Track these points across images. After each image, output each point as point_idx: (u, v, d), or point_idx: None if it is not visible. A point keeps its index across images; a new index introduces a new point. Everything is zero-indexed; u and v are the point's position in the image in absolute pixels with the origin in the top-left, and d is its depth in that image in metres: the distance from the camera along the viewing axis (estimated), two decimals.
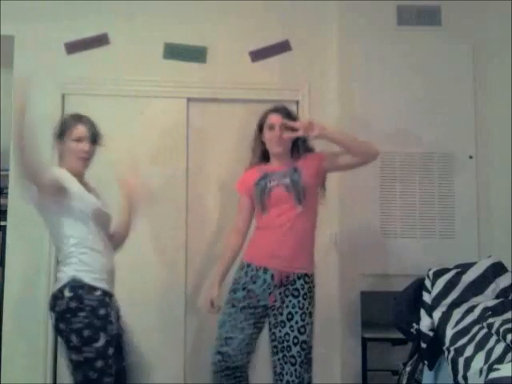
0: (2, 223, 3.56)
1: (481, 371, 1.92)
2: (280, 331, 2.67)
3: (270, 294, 2.69)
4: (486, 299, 2.42)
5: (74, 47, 3.53)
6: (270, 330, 2.74)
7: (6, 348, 3.36)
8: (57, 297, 2.34)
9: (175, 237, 3.50)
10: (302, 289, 2.68)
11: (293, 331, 2.65)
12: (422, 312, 2.48)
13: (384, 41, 3.62)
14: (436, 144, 3.58)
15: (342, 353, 3.44)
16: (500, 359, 1.91)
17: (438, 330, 2.36)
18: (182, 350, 3.45)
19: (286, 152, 2.82)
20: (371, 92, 3.58)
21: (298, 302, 2.67)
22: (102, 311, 2.33)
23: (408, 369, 2.63)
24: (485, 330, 2.15)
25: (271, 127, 2.79)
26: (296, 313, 2.66)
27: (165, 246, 3.49)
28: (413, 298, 2.57)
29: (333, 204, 3.44)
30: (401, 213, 3.55)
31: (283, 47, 3.61)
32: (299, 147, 2.82)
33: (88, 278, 2.34)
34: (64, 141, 2.51)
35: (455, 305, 2.42)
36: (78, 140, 2.48)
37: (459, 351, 2.13)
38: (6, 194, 3.49)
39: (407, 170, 3.57)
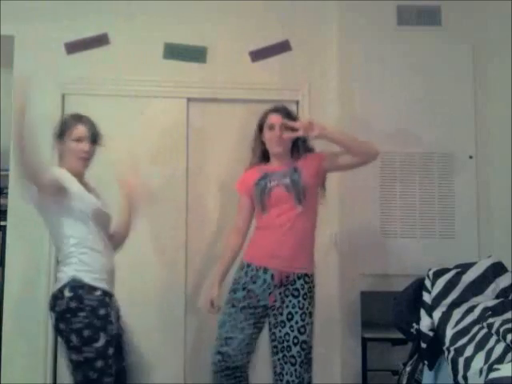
0: (2, 223, 3.56)
1: (481, 371, 1.92)
2: (280, 331, 2.67)
3: (269, 294, 2.69)
4: (486, 299, 2.42)
5: (74, 47, 3.53)
6: (269, 329, 2.74)
7: (5, 348, 3.37)
8: (57, 297, 2.34)
9: (175, 237, 3.50)
10: (302, 289, 2.68)
11: (293, 331, 2.65)
12: (422, 312, 2.48)
13: (384, 41, 3.62)
14: (436, 144, 3.58)
15: (342, 353, 3.44)
16: (500, 359, 1.91)
17: (438, 329, 2.36)
18: (182, 349, 3.45)
19: (286, 152, 2.82)
20: (371, 92, 3.58)
21: (298, 302, 2.67)
22: (101, 311, 2.33)
23: (408, 369, 2.63)
24: (485, 330, 2.15)
25: (271, 127, 2.79)
26: (296, 313, 2.66)
27: (165, 245, 3.49)
28: (413, 298, 2.57)
29: (333, 204, 3.44)
30: (401, 213, 3.55)
31: (283, 47, 3.61)
32: (299, 147, 2.82)
33: (88, 278, 2.34)
34: (64, 141, 2.51)
35: (455, 305, 2.42)
36: (78, 140, 2.49)
37: (459, 351, 2.13)
38: (6, 193, 3.49)
39: (407, 170, 3.57)
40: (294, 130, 2.70)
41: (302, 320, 2.65)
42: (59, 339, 2.40)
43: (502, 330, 2.04)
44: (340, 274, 3.48)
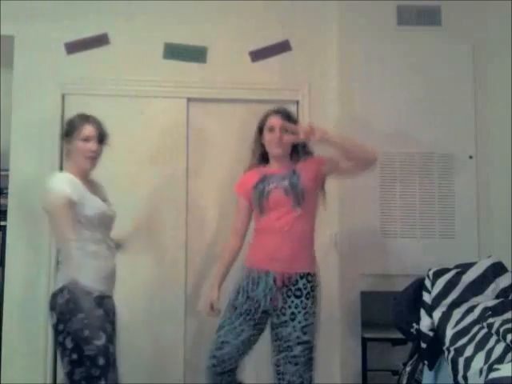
0: (2, 223, 3.56)
1: (481, 371, 1.92)
2: (283, 331, 2.66)
3: (271, 298, 2.69)
4: (486, 299, 2.43)
5: (73, 47, 3.53)
6: (272, 329, 2.73)
7: (5, 348, 3.37)
8: (56, 297, 2.38)
9: (175, 237, 3.50)
10: (305, 288, 2.68)
11: (295, 331, 2.64)
12: (422, 312, 2.48)
13: (384, 41, 3.62)
14: (436, 144, 3.57)
15: (342, 353, 3.44)
16: (500, 359, 1.92)
17: (438, 330, 2.36)
18: (182, 350, 3.45)
19: (286, 154, 2.82)
20: (371, 92, 3.58)
21: (301, 301, 2.66)
22: (98, 312, 2.36)
23: (408, 369, 2.63)
24: (485, 330, 2.15)
25: (271, 129, 2.79)
26: (299, 312, 2.65)
27: (165, 245, 3.49)
28: (413, 298, 2.57)
29: (333, 204, 3.43)
30: (401, 213, 3.55)
31: (283, 47, 3.61)
32: (299, 150, 2.82)
33: (84, 282, 2.37)
34: (72, 140, 2.54)
35: (455, 305, 2.42)
36: (86, 139, 2.52)
37: (459, 351, 2.14)
38: (6, 194, 3.48)
39: (407, 170, 3.57)
40: (294, 133, 2.70)
41: (305, 320, 2.65)
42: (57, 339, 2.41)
43: (502, 330, 2.04)
44: (340, 273, 3.48)
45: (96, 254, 2.45)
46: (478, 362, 1.99)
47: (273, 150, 2.80)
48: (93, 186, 2.59)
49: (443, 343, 2.28)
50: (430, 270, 2.59)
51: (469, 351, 2.09)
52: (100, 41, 3.53)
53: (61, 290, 2.37)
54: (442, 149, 3.58)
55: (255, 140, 2.88)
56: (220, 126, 3.58)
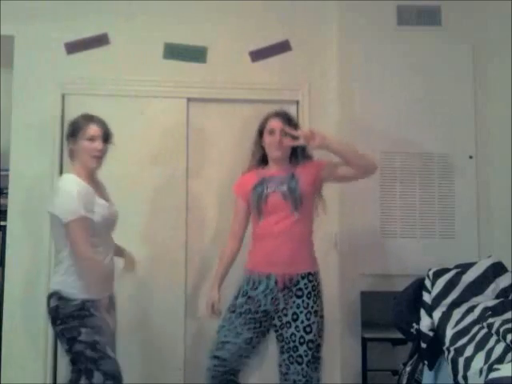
0: (2, 223, 3.56)
1: (481, 371, 1.92)
2: (286, 332, 2.67)
3: (272, 298, 2.69)
4: (486, 299, 2.43)
5: (73, 47, 3.52)
6: (276, 331, 2.74)
7: (5, 348, 3.37)
8: (49, 301, 2.50)
9: (175, 237, 3.50)
10: (306, 288, 2.68)
11: (299, 331, 2.65)
12: (422, 312, 2.48)
13: (384, 41, 3.62)
14: (436, 144, 3.57)
15: (342, 353, 3.44)
16: (500, 359, 1.92)
17: (438, 330, 2.36)
18: (182, 350, 3.45)
19: (285, 157, 2.82)
20: (371, 92, 3.58)
21: (302, 301, 2.67)
22: (78, 313, 2.43)
23: (408, 369, 2.63)
24: (485, 330, 2.15)
25: (271, 132, 2.79)
26: (301, 312, 2.66)
27: (165, 246, 3.49)
28: (413, 298, 2.58)
29: (333, 204, 3.43)
30: (401, 213, 3.55)
31: (283, 47, 3.61)
32: (298, 154, 2.82)
33: (69, 291, 2.45)
34: (76, 140, 2.56)
35: (455, 305, 2.42)
36: (91, 139, 2.54)
37: (459, 351, 2.14)
38: (6, 193, 3.48)
39: (407, 170, 3.57)
40: (294, 137, 2.70)
41: (308, 319, 2.66)
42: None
43: (502, 330, 2.04)
44: (340, 273, 3.48)
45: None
46: (478, 361, 1.99)
47: (272, 152, 2.80)
48: (98, 187, 2.61)
49: (443, 343, 2.28)
50: (430, 270, 2.59)
51: (469, 351, 2.09)
52: (100, 41, 3.53)
53: (51, 295, 2.49)
54: (442, 149, 3.58)
55: (255, 142, 2.88)
56: (220, 126, 3.58)
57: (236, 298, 2.75)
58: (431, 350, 2.41)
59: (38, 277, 3.38)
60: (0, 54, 3.48)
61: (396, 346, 3.19)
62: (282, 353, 2.70)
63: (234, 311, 2.73)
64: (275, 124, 2.78)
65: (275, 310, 2.70)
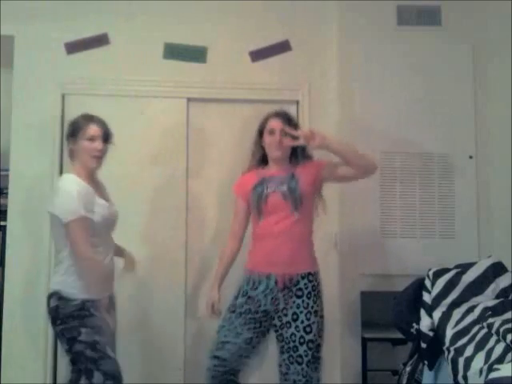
0: (2, 223, 3.56)
1: (481, 371, 1.92)
2: (286, 332, 2.67)
3: (272, 298, 2.69)
4: (486, 299, 2.43)
5: (73, 47, 3.52)
6: (276, 331, 2.74)
7: (5, 348, 3.37)
8: (49, 300, 2.50)
9: (175, 237, 3.50)
10: (306, 288, 2.68)
11: (299, 331, 2.65)
12: (422, 312, 2.48)
13: (384, 41, 3.62)
14: (436, 144, 3.57)
15: (342, 353, 3.44)
16: (500, 359, 1.92)
17: (438, 329, 2.36)
18: (182, 350, 3.45)
19: (285, 157, 2.82)
20: (371, 92, 3.57)
21: (302, 301, 2.67)
22: (77, 312, 2.43)
23: (408, 369, 2.63)
24: (485, 330, 2.15)
25: (271, 132, 2.79)
26: (301, 312, 2.66)
27: (165, 246, 3.49)
28: (413, 298, 2.58)
29: (333, 204, 3.43)
30: (401, 213, 3.55)
31: (283, 47, 3.61)
32: (298, 154, 2.82)
33: (68, 291, 2.45)
34: (77, 140, 2.56)
35: (455, 305, 2.42)
36: (92, 139, 2.55)
37: (459, 351, 2.14)
38: (6, 193, 3.48)
39: (407, 170, 3.57)
40: (294, 137, 2.70)
41: (308, 319, 2.66)
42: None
43: (502, 330, 2.04)
44: (340, 273, 3.48)
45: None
46: (478, 361, 1.99)
47: (272, 152, 2.81)
48: (98, 187, 2.61)
49: (443, 343, 2.28)
50: (430, 270, 2.59)
51: (469, 351, 2.09)
52: (100, 41, 3.53)
53: (51, 295, 2.49)
54: (442, 149, 3.58)
55: (255, 142, 2.88)
56: (220, 126, 3.58)
57: (236, 298, 2.76)
58: (431, 349, 2.41)
59: (38, 277, 3.38)
60: (0, 53, 3.48)
61: (396, 345, 3.18)
62: (282, 353, 2.70)
63: (233, 311, 2.73)
64: (275, 124, 2.78)
65: (275, 309, 2.70)
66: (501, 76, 3.56)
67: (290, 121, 2.82)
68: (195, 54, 3.57)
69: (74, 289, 2.45)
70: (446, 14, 3.64)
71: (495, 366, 1.82)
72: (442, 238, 3.53)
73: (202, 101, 3.58)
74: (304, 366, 2.64)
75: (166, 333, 3.44)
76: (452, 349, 2.19)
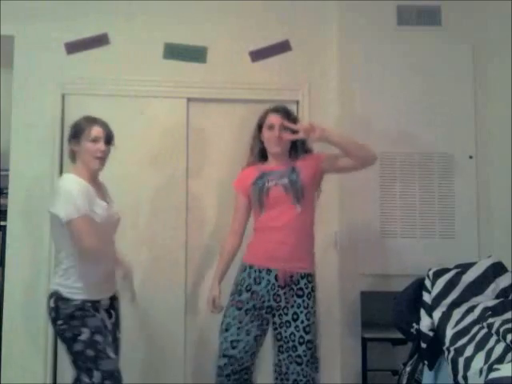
0: (2, 223, 3.56)
1: (481, 371, 1.92)
2: (285, 331, 2.67)
3: (274, 294, 2.69)
4: (486, 299, 2.43)
5: (73, 47, 3.52)
6: (274, 329, 2.73)
7: (5, 348, 3.37)
8: (49, 301, 2.50)
9: (175, 237, 3.50)
10: (306, 288, 2.68)
11: (298, 331, 2.65)
12: (422, 312, 2.48)
13: (384, 41, 3.62)
14: (436, 144, 3.57)
15: (342, 353, 3.44)
16: (500, 359, 1.92)
17: (438, 330, 2.36)
18: (182, 350, 3.45)
19: (285, 152, 2.82)
20: (371, 92, 3.58)
21: (303, 301, 2.67)
22: (78, 313, 2.43)
23: (408, 369, 2.63)
24: (485, 330, 2.15)
25: (271, 127, 2.79)
26: (301, 312, 2.66)
27: (165, 246, 3.49)
28: (413, 298, 2.58)
29: (333, 204, 3.45)
30: (401, 213, 3.55)
31: (283, 47, 3.61)
32: (298, 148, 2.82)
33: (67, 292, 2.46)
34: (79, 142, 2.56)
35: (455, 305, 2.42)
36: (95, 140, 2.55)
37: (459, 351, 2.14)
38: (6, 193, 3.48)
39: (407, 170, 3.57)
40: (294, 131, 2.70)
41: (307, 319, 2.66)
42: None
43: (502, 330, 2.04)
44: (340, 273, 3.48)
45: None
46: (478, 361, 1.99)
47: (272, 147, 2.81)
48: (100, 189, 2.61)
49: (443, 343, 2.28)
50: (430, 270, 2.59)
51: (469, 351, 2.09)
52: (100, 41, 3.53)
53: (51, 296, 2.49)
54: (442, 149, 3.58)
55: (254, 137, 2.88)
56: (220, 126, 3.58)
57: (238, 293, 2.72)
58: (431, 349, 2.41)
59: (38, 277, 3.38)
60: (0, 53, 3.48)
61: (396, 345, 3.19)
62: (280, 352, 2.70)
63: (240, 308, 2.70)
64: (274, 119, 2.78)
65: (277, 307, 2.70)
66: (501, 76, 3.56)
67: (289, 115, 2.82)
68: (195, 54, 3.57)
69: (74, 289, 2.45)
70: (445, 14, 3.64)
71: (495, 366, 1.82)
72: (442, 237, 3.53)
73: (201, 101, 3.58)
74: (304, 366, 2.64)
75: (166, 333, 3.44)
76: (452, 349, 2.19)
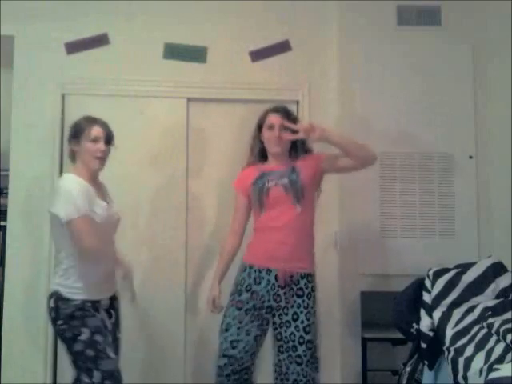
0: (2, 223, 3.56)
1: (481, 371, 1.92)
2: (285, 331, 2.67)
3: (274, 294, 2.69)
4: (486, 299, 2.43)
5: (73, 47, 3.52)
6: (274, 329, 2.73)
7: (5, 348, 3.37)
8: (49, 301, 2.50)
9: (175, 237, 3.50)
10: (306, 288, 2.68)
11: (298, 331, 2.65)
12: (422, 312, 2.48)
13: (384, 41, 3.62)
14: (436, 144, 3.57)
15: (342, 353, 3.44)
16: (500, 359, 1.92)
17: (438, 330, 2.36)
18: (182, 350, 3.45)
19: (285, 152, 2.82)
20: (371, 92, 3.58)
21: (303, 301, 2.67)
22: (78, 313, 2.43)
23: (408, 369, 2.63)
24: (485, 330, 2.15)
25: (271, 127, 2.79)
26: (301, 312, 2.66)
27: (165, 246, 3.49)
28: (413, 298, 2.58)
29: (333, 204, 3.45)
30: (401, 213, 3.55)
31: (283, 47, 3.61)
32: (298, 148, 2.82)
33: (67, 292, 2.46)
34: (79, 142, 2.56)
35: (455, 305, 2.42)
36: (95, 140, 2.55)
37: (459, 351, 2.14)
38: (6, 193, 3.48)
39: (407, 170, 3.57)
40: (294, 131, 2.70)
41: (308, 319, 2.66)
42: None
43: (502, 330, 2.04)
44: (340, 273, 3.48)
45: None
46: (478, 361, 1.99)
47: (272, 148, 2.81)
48: (100, 189, 2.61)
49: (443, 343, 2.28)
50: (430, 269, 2.59)
51: (469, 351, 2.09)
52: (100, 41, 3.53)
53: (51, 296, 2.50)
54: (442, 149, 3.58)
55: (254, 137, 2.88)
56: (220, 126, 3.58)
57: (238, 293, 2.72)
58: (431, 349, 2.41)
59: (38, 277, 3.38)
60: (0, 53, 3.48)
61: (396, 345, 3.19)
62: (280, 352, 2.70)
63: (240, 308, 2.70)
64: (274, 119, 2.78)
65: (277, 306, 2.70)
66: (501, 76, 3.56)
67: (289, 115, 2.82)
68: (195, 54, 3.57)
69: (74, 289, 2.45)
70: (445, 14, 3.64)
71: (495, 366, 1.82)
72: (442, 237, 3.53)
73: (201, 101, 3.58)
74: (304, 366, 2.64)
75: (166, 333, 3.44)
76: (452, 349, 2.19)
